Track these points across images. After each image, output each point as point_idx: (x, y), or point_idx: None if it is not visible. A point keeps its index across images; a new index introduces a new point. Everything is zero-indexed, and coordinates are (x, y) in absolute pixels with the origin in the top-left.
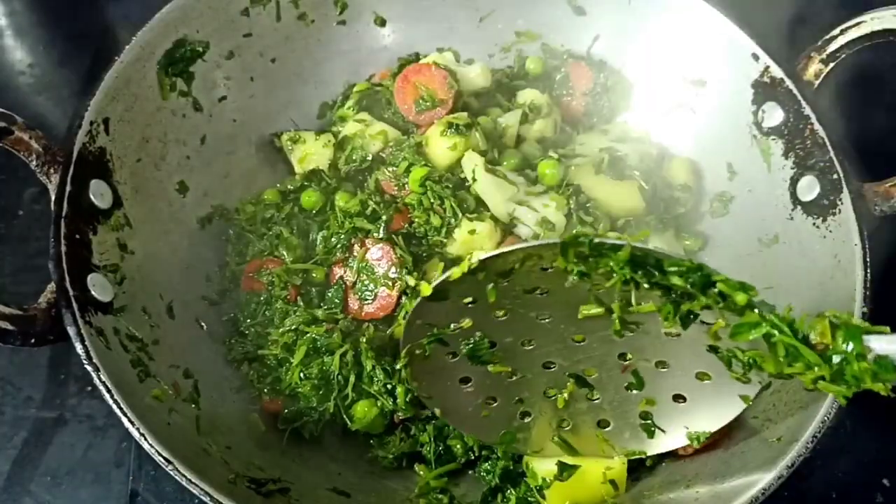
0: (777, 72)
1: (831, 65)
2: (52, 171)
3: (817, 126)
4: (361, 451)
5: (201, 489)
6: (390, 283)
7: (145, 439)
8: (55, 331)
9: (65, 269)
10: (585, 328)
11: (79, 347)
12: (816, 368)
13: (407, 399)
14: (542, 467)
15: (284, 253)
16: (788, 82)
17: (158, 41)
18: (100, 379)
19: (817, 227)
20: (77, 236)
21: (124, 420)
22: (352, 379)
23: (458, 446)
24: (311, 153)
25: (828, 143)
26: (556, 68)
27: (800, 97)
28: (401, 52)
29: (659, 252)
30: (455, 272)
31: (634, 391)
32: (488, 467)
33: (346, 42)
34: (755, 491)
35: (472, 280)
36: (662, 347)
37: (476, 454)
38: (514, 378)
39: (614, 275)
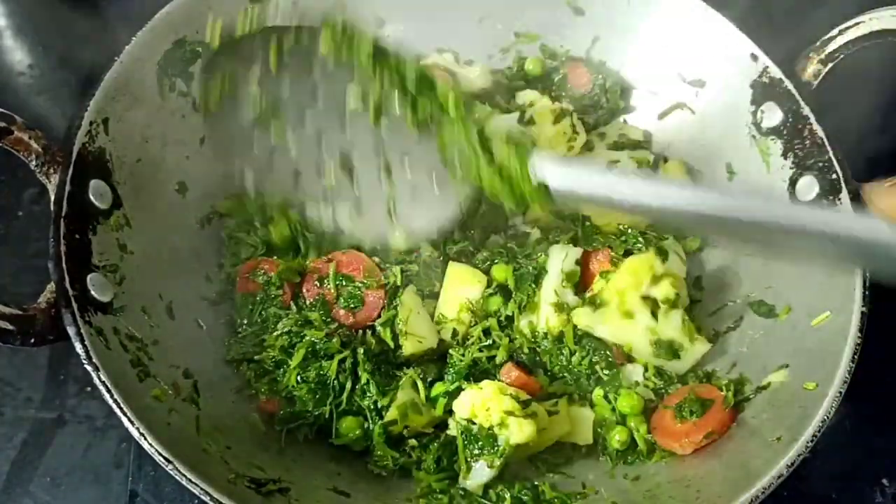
0: (776, 72)
1: (830, 65)
2: (51, 171)
3: (816, 126)
4: (361, 452)
5: (201, 489)
6: (374, 284)
7: (145, 439)
8: (55, 331)
9: (64, 269)
10: (351, 116)
11: (78, 347)
12: (490, 178)
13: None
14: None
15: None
16: (787, 82)
17: (158, 41)
18: (99, 379)
19: None
20: (77, 236)
21: (124, 420)
22: (348, 386)
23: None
24: None
25: (826, 144)
26: (554, 69)
27: (798, 97)
28: None
29: (398, 52)
30: (239, 30)
31: (384, 180)
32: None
33: None
34: (755, 490)
35: (257, 42)
36: (409, 144)
37: None
38: (292, 146)
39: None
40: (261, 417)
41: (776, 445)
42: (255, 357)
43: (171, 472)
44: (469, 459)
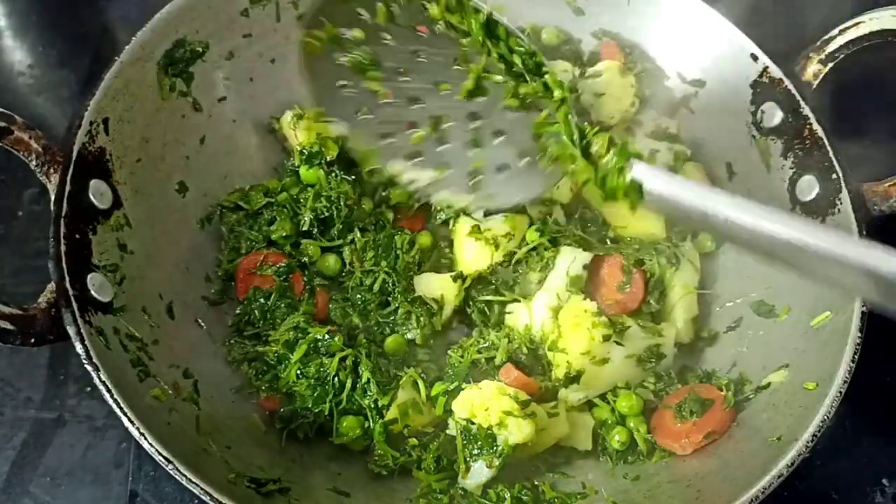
0: (776, 72)
1: (830, 65)
2: (51, 171)
3: (816, 126)
4: (361, 452)
5: (201, 489)
6: None
7: (145, 439)
8: (55, 331)
9: (65, 269)
10: (452, 77)
11: (79, 347)
12: (584, 172)
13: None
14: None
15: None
16: (787, 82)
17: (158, 41)
18: (100, 379)
19: None
20: (77, 236)
21: (124, 420)
22: (348, 384)
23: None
24: (317, 129)
25: (826, 144)
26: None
27: (799, 97)
28: None
29: (510, 27)
30: None
31: (474, 149)
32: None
33: None
34: (755, 490)
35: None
36: (504, 119)
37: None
38: (385, 101)
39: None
40: (261, 417)
41: (776, 445)
42: (258, 349)
43: (171, 472)
44: (468, 459)
